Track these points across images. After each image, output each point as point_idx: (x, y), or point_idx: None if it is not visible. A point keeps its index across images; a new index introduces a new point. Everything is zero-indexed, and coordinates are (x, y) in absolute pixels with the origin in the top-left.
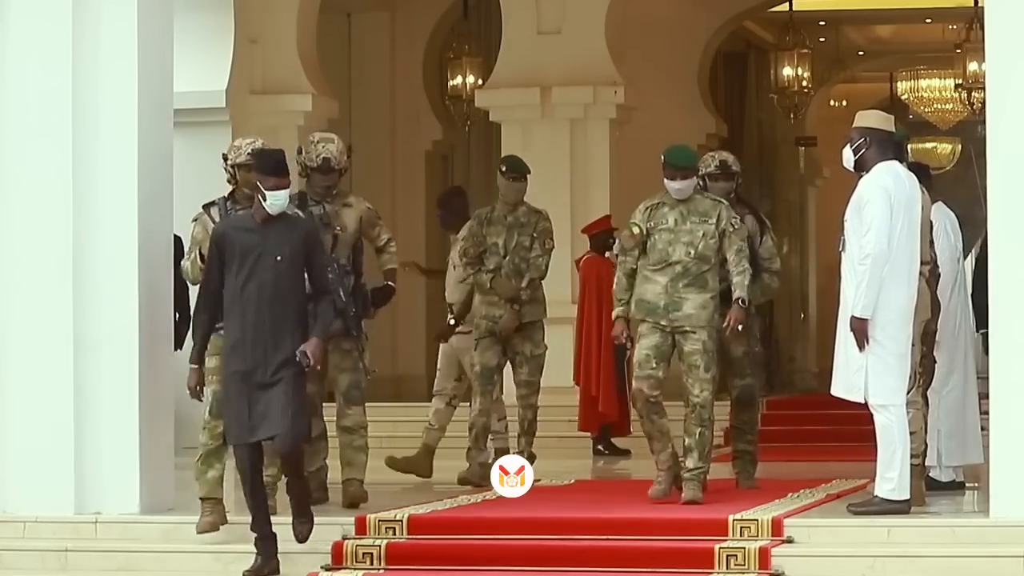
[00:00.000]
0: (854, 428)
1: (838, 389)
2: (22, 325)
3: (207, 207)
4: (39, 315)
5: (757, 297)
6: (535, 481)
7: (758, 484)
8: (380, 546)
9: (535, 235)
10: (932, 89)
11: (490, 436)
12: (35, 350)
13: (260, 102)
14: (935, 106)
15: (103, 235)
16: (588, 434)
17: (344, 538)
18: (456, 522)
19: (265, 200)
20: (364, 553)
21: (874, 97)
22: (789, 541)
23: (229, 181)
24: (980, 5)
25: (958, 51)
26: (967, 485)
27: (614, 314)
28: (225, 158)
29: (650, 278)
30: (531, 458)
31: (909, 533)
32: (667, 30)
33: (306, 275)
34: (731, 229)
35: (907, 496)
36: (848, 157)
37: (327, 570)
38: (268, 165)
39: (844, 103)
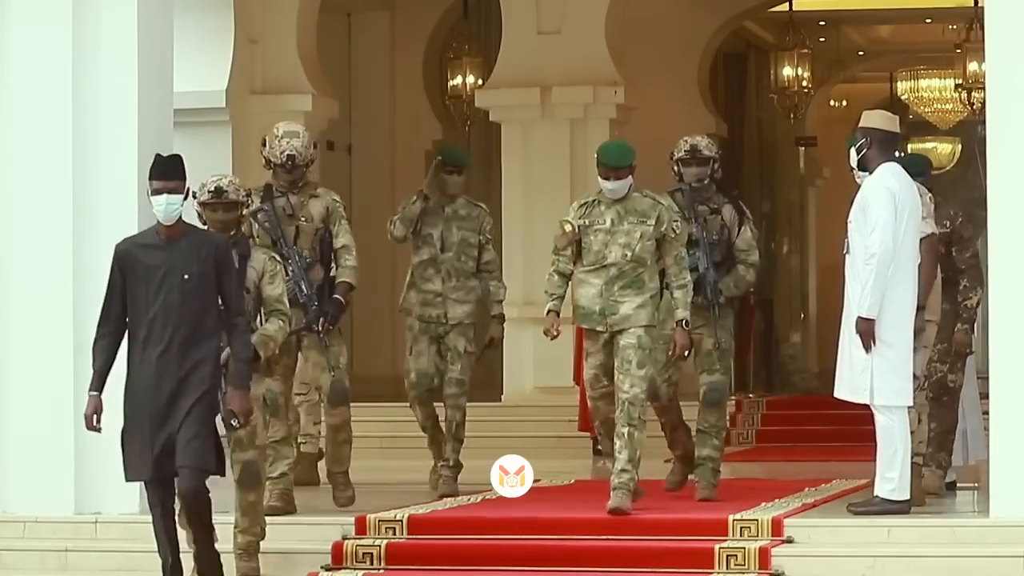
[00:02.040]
0: (854, 428)
1: (842, 391)
2: (22, 325)
3: None
4: (39, 315)
5: (731, 290)
6: (535, 481)
7: (718, 496)
8: (380, 546)
9: (488, 235)
10: (932, 89)
11: (301, 440)
12: (35, 350)
13: (260, 102)
14: (935, 106)
15: (103, 235)
16: (588, 434)
17: (344, 538)
18: (456, 522)
19: (153, 207)
20: (364, 553)
21: (874, 97)
22: (789, 541)
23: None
24: (980, 5)
25: (958, 51)
26: (959, 485)
27: (546, 308)
28: (194, 195)
29: (585, 280)
30: (456, 467)
31: (909, 533)
32: (667, 30)
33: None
34: (672, 234)
35: (907, 496)
36: (852, 158)
37: (327, 570)
38: (155, 168)
39: (844, 103)
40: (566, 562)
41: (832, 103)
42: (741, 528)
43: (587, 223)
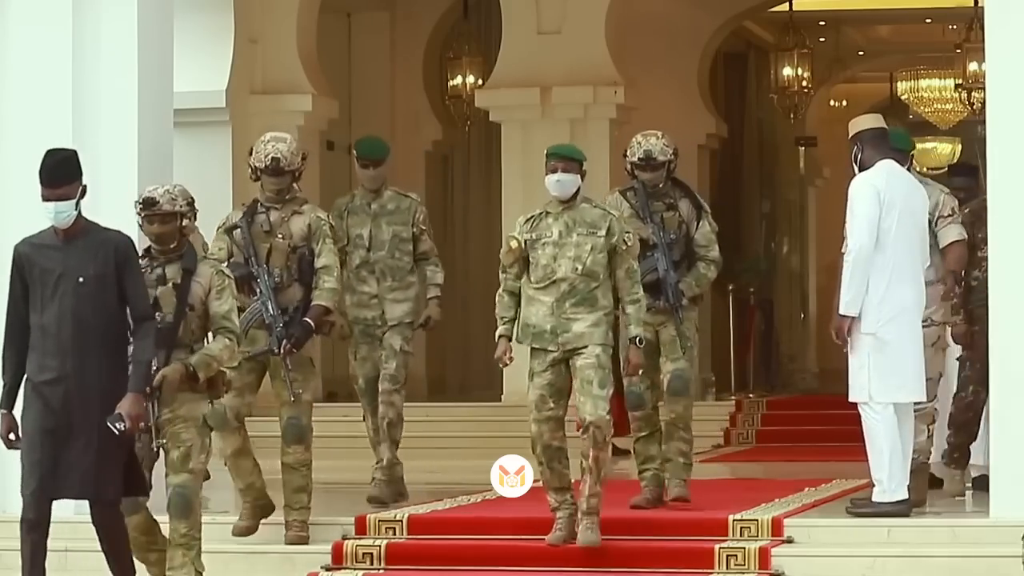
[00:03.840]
0: (854, 428)
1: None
2: None
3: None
4: None
5: (692, 289)
6: (535, 481)
7: (690, 496)
8: (380, 546)
9: (422, 226)
10: (932, 89)
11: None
12: None
13: (260, 102)
14: (935, 106)
15: None
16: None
17: (344, 538)
18: (456, 522)
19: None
20: (364, 553)
21: (874, 97)
22: (789, 541)
23: None
24: (980, 5)
25: (958, 51)
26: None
27: (497, 333)
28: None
29: (535, 298)
30: (390, 468)
31: (909, 533)
32: (667, 30)
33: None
34: (623, 246)
35: (904, 496)
36: (856, 168)
37: (327, 570)
38: (41, 173)
39: (844, 103)
40: (566, 562)
41: (832, 103)
42: (741, 528)
43: (534, 237)
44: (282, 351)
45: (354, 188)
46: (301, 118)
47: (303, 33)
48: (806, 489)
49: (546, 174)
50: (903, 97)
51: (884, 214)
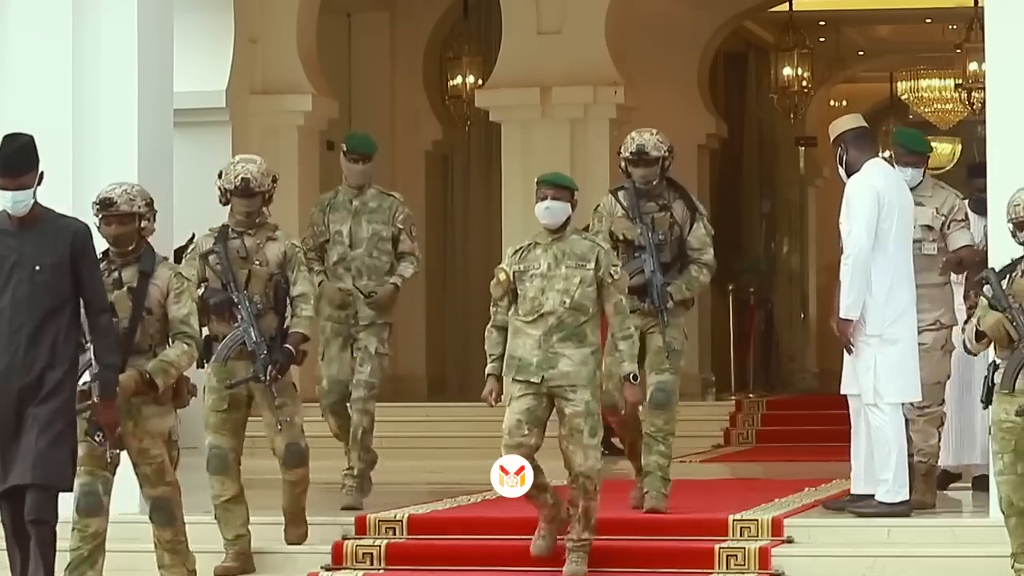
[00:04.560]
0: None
1: (848, 387)
2: None
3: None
4: None
5: (682, 292)
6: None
7: (667, 508)
8: (380, 546)
9: (399, 225)
10: (932, 89)
11: None
12: None
13: (260, 102)
14: (935, 106)
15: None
16: None
17: (344, 538)
18: (456, 522)
19: None
20: (364, 553)
21: (874, 97)
22: (789, 541)
23: None
24: (980, 5)
25: (958, 51)
26: (951, 485)
27: (486, 371)
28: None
29: (522, 330)
30: (361, 477)
31: (909, 533)
32: (667, 30)
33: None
34: (608, 279)
35: (905, 497)
36: (841, 173)
37: (327, 570)
38: (0, 161)
39: (844, 103)
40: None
41: (832, 103)
42: (741, 528)
43: (522, 268)
44: (268, 378)
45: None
46: (301, 118)
47: (303, 33)
48: (806, 489)
49: (536, 201)
50: (903, 97)
51: (884, 215)
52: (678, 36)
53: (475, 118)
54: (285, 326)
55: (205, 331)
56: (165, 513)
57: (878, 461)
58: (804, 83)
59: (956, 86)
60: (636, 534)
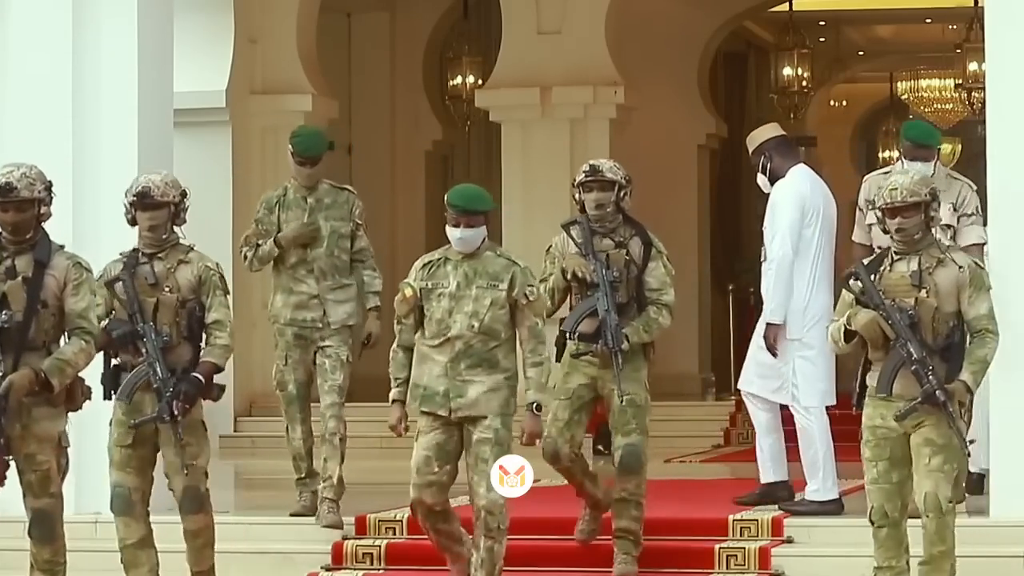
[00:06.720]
0: (853, 428)
1: (746, 385)
2: None
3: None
4: None
5: (639, 333)
6: (535, 481)
7: (636, 573)
8: (380, 546)
9: (358, 220)
10: (932, 89)
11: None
12: None
13: (260, 102)
14: (935, 106)
15: (103, 235)
16: (588, 434)
17: (344, 538)
18: None
19: None
20: (364, 553)
21: (874, 97)
22: (789, 541)
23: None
24: (980, 5)
25: (958, 51)
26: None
27: (390, 396)
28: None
29: (428, 356)
30: (340, 487)
31: (909, 533)
32: (667, 30)
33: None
34: (524, 300)
35: (835, 496)
36: (763, 181)
37: (327, 570)
38: None
39: (844, 103)
40: (566, 562)
41: (832, 103)
42: (741, 528)
43: (430, 286)
44: (173, 414)
45: (290, 180)
46: (301, 118)
47: (303, 33)
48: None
49: (446, 224)
50: (903, 97)
51: (807, 221)
52: (678, 36)
53: (475, 118)
54: (201, 357)
55: (114, 361)
56: (45, 528)
57: (806, 462)
58: (804, 83)
59: (956, 86)
60: None
